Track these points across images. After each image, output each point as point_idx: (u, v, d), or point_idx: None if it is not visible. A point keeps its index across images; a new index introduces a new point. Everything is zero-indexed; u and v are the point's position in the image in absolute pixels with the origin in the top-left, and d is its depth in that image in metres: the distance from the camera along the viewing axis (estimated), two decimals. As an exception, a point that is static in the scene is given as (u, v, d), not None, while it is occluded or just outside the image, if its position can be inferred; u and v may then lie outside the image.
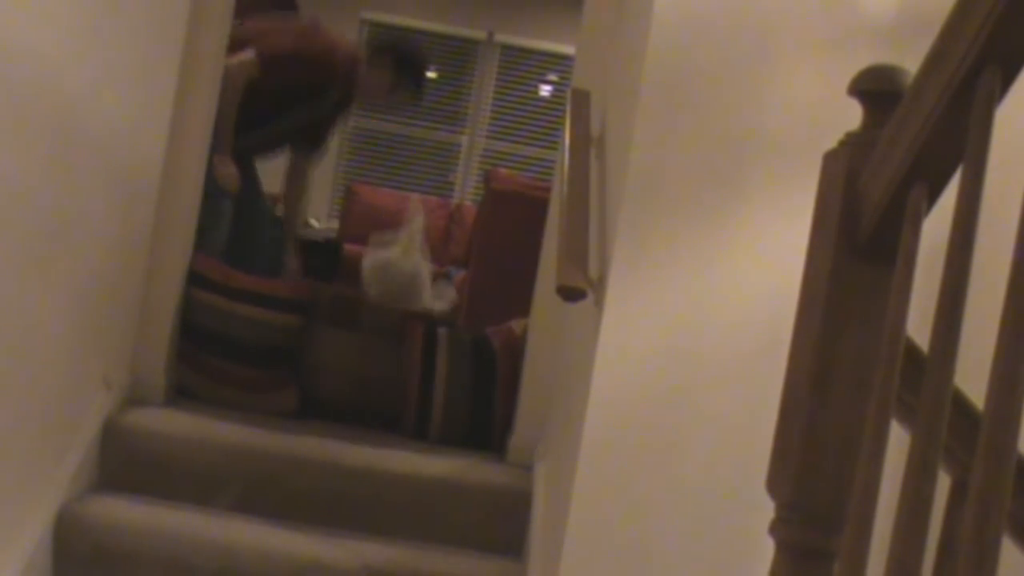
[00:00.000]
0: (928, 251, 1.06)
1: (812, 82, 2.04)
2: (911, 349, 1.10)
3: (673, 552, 2.05)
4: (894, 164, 1.05)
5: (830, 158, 1.17)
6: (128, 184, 2.76)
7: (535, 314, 3.07)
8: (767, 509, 1.16)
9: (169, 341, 3.07)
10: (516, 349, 3.22)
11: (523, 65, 8.03)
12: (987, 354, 0.88)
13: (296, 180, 4.32)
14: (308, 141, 4.13)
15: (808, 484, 1.11)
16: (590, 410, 2.03)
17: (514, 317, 3.39)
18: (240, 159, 3.63)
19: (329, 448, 2.86)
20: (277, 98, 3.77)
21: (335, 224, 7.22)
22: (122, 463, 2.77)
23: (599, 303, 2.09)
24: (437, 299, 4.36)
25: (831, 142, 1.18)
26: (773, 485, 1.16)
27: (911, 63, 1.09)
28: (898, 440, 1.03)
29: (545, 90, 8.07)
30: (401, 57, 3.91)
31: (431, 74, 8.11)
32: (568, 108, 2.65)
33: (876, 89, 1.14)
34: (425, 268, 4.26)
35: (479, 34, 8.04)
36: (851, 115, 1.19)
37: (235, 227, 3.63)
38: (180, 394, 3.17)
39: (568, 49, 7.09)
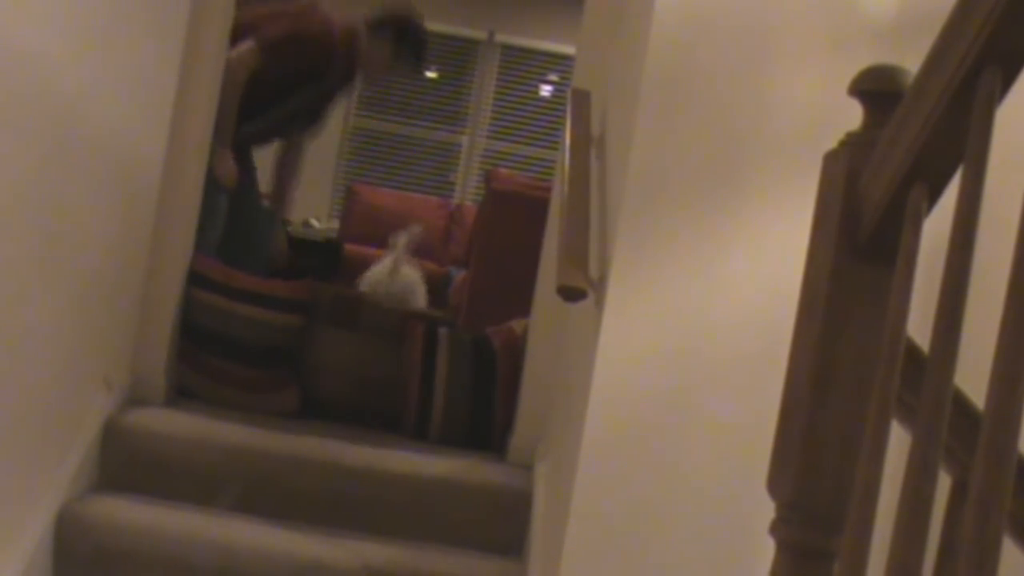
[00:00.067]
0: (928, 251, 1.06)
1: (812, 82, 2.04)
2: (911, 349, 1.10)
3: (673, 552, 2.05)
4: (894, 164, 1.05)
5: (830, 158, 1.17)
6: (128, 184, 2.76)
7: (535, 314, 3.07)
8: (767, 509, 1.15)
9: (169, 341, 3.07)
10: (516, 349, 3.22)
11: (523, 65, 8.03)
12: (987, 354, 0.88)
13: (291, 158, 4.27)
14: (308, 119, 4.11)
15: (808, 484, 1.11)
16: (590, 410, 2.03)
17: (514, 317, 3.39)
18: (238, 152, 3.62)
19: (329, 448, 2.86)
20: (278, 85, 3.76)
21: (335, 224, 7.22)
22: (123, 463, 2.77)
23: (599, 303, 2.08)
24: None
25: (831, 142, 1.18)
26: (773, 485, 1.16)
27: (911, 63, 1.09)
28: (898, 440, 1.03)
29: (545, 90, 8.07)
30: (400, 28, 3.89)
31: (431, 74, 8.12)
32: (568, 108, 2.65)
33: (876, 89, 1.14)
34: (414, 276, 4.32)
35: (480, 34, 8.04)
36: (852, 115, 1.19)
37: (230, 222, 3.62)
38: (180, 394, 3.17)
39: (569, 49, 7.09)
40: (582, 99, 2.67)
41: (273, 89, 3.73)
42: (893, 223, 1.05)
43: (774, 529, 1.13)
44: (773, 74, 2.06)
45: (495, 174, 4.32)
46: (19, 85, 2.00)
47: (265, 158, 4.18)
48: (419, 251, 6.91)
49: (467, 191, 8.00)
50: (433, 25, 7.95)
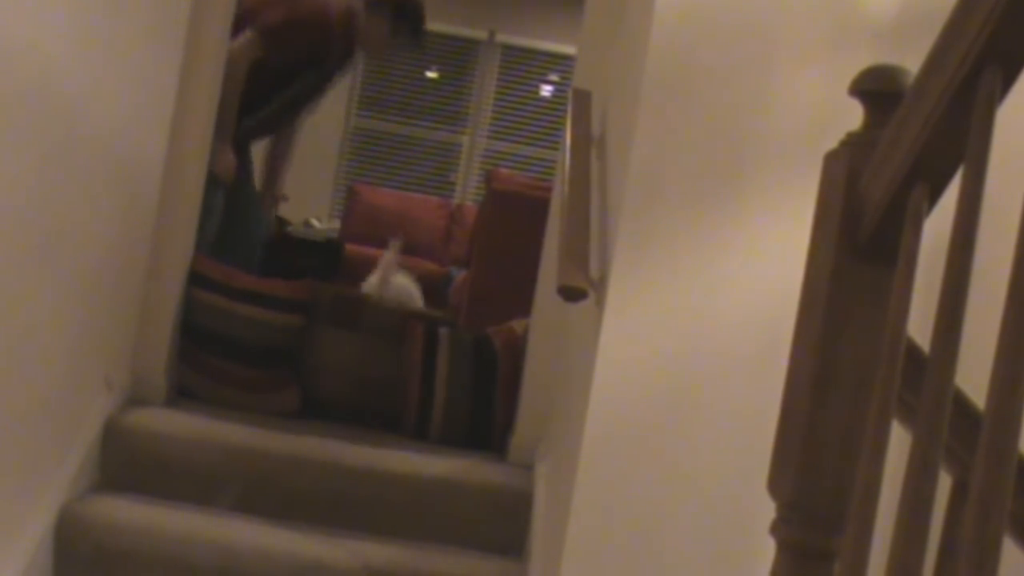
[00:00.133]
0: (929, 251, 1.06)
1: (813, 82, 2.04)
2: (912, 349, 1.10)
3: (674, 552, 2.05)
4: (895, 164, 1.05)
5: (831, 158, 1.17)
6: (129, 183, 2.76)
7: (536, 314, 3.07)
8: (768, 509, 1.15)
9: (170, 341, 3.08)
10: (517, 349, 3.22)
11: (524, 65, 8.03)
12: (988, 354, 0.88)
13: (284, 142, 4.25)
14: (308, 103, 4.09)
15: (809, 484, 1.11)
16: (591, 410, 2.03)
17: (515, 317, 3.39)
18: (237, 147, 3.62)
19: (330, 448, 2.86)
20: (279, 73, 3.75)
21: (336, 224, 7.22)
22: (123, 463, 2.77)
23: (600, 303, 2.08)
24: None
25: (832, 142, 1.18)
26: (774, 485, 1.16)
27: (912, 63, 1.09)
28: (899, 440, 1.03)
29: (546, 90, 8.07)
30: (398, 3, 3.89)
31: (432, 74, 8.12)
32: (569, 108, 2.65)
33: (877, 89, 1.14)
34: (405, 282, 4.36)
35: (480, 34, 8.04)
36: (852, 115, 1.18)
37: (227, 217, 3.61)
38: (180, 394, 3.17)
39: (569, 49, 7.09)
40: (583, 99, 2.67)
41: (274, 77, 3.73)
42: (894, 223, 1.05)
43: (774, 529, 1.13)
44: (774, 74, 2.06)
45: (495, 174, 4.32)
46: (19, 84, 2.00)
47: (257, 144, 4.17)
48: (419, 251, 6.93)
49: (467, 191, 8.00)
50: (434, 25, 7.96)
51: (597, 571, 2.03)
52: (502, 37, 8.03)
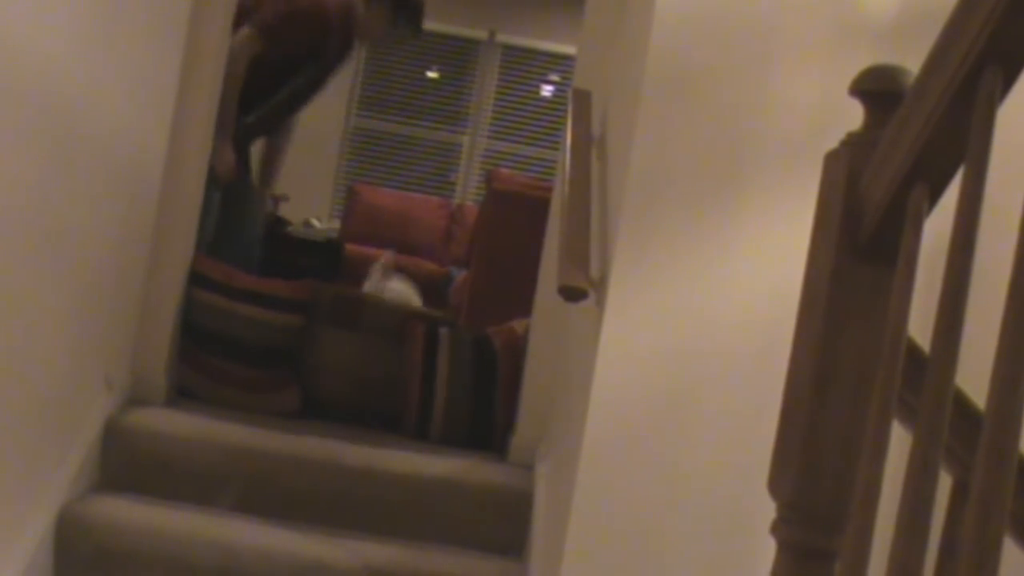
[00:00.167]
0: (929, 251, 1.06)
1: (813, 82, 2.04)
2: (912, 349, 1.10)
3: (674, 552, 2.05)
4: (895, 164, 1.05)
5: (831, 158, 1.17)
6: (130, 183, 2.76)
7: (536, 314, 3.07)
8: (768, 509, 1.15)
9: (170, 341, 3.08)
10: (517, 349, 3.22)
11: (524, 65, 8.03)
12: (988, 354, 0.88)
13: (281, 136, 4.23)
14: (307, 98, 4.08)
15: (809, 484, 1.11)
16: (591, 410, 2.03)
17: (515, 317, 3.39)
18: (237, 147, 3.61)
19: (330, 448, 2.86)
20: (279, 68, 3.75)
21: (336, 224, 7.22)
22: (123, 463, 2.77)
23: (600, 303, 2.08)
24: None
25: (832, 142, 1.18)
26: (774, 485, 1.16)
27: (913, 63, 1.09)
28: (899, 440, 1.03)
29: (546, 90, 8.07)
30: None
31: (432, 74, 8.12)
32: (569, 108, 2.65)
33: (877, 89, 1.14)
34: (401, 287, 4.38)
35: (480, 34, 8.04)
36: (853, 115, 1.18)
37: (225, 217, 3.61)
38: (180, 394, 3.17)
39: (569, 49, 7.09)
40: (583, 99, 2.67)
41: (273, 72, 3.72)
42: (894, 223, 1.05)
43: (775, 529, 1.13)
44: (774, 74, 2.06)
45: (496, 174, 4.32)
46: (20, 84, 2.00)
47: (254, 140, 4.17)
48: (419, 251, 6.93)
49: (468, 191, 8.00)
50: (434, 25, 7.99)
51: (597, 571, 2.03)
52: (502, 37, 8.03)
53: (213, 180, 3.38)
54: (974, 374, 1.09)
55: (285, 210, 6.37)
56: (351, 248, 6.36)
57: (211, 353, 3.19)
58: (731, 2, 2.06)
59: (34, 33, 2.02)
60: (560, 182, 2.73)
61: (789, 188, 2.02)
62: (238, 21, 3.37)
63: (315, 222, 6.99)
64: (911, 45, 1.48)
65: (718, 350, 2.04)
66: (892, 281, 1.03)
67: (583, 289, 2.03)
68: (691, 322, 2.04)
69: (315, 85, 3.98)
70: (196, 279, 3.18)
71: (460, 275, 5.51)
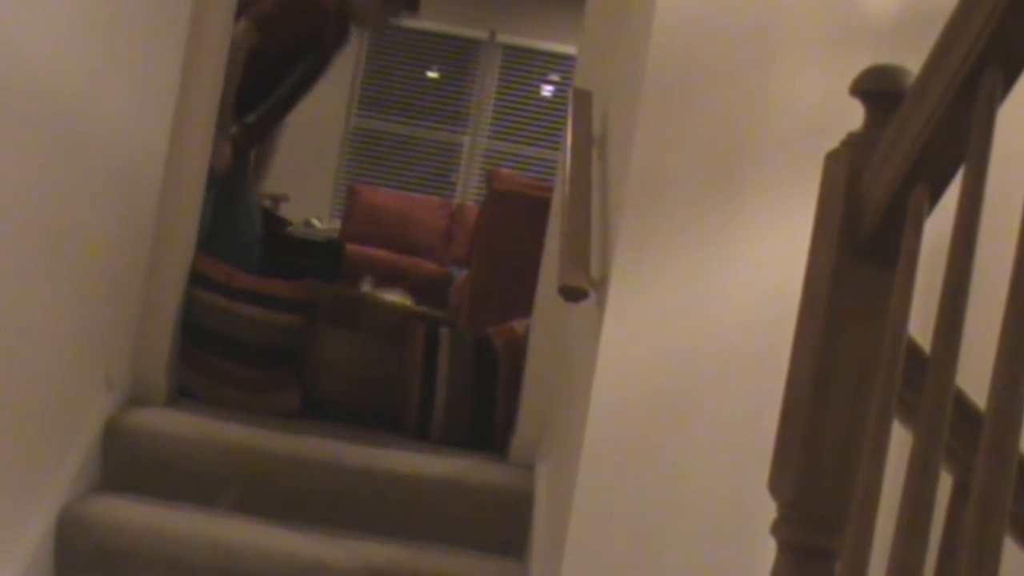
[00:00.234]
0: (930, 251, 1.06)
1: (814, 82, 2.04)
2: (913, 349, 1.10)
3: (675, 552, 2.05)
4: (896, 164, 1.05)
5: (832, 158, 1.17)
6: (130, 183, 2.76)
7: (537, 314, 3.07)
8: (769, 509, 1.15)
9: (171, 341, 3.08)
10: (518, 349, 3.22)
11: (525, 65, 8.03)
12: (989, 354, 0.88)
13: (277, 129, 4.25)
14: (306, 90, 4.07)
15: (809, 484, 1.11)
16: (592, 410, 2.03)
17: (516, 317, 3.39)
18: (237, 146, 3.61)
19: (330, 448, 2.86)
20: (276, 63, 3.74)
21: (337, 224, 7.22)
22: (124, 463, 2.77)
23: (601, 303, 2.08)
24: None
25: (833, 142, 1.18)
26: (775, 485, 1.16)
27: (913, 63, 1.09)
28: (900, 440, 1.03)
29: (547, 90, 8.07)
30: None
31: (432, 74, 8.12)
32: (570, 108, 2.65)
33: (878, 89, 1.14)
34: (395, 298, 4.43)
35: (481, 34, 8.04)
36: (853, 115, 1.18)
37: (223, 216, 3.60)
38: (181, 394, 3.17)
39: (570, 49, 7.09)
40: (583, 99, 2.67)
41: (273, 67, 3.71)
42: (894, 223, 1.05)
43: (775, 529, 1.13)
44: (774, 74, 2.06)
45: (496, 174, 4.32)
46: (20, 83, 2.00)
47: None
48: (420, 251, 6.93)
49: (468, 191, 8.01)
50: (434, 25, 8.00)
51: (598, 571, 2.03)
52: (503, 37, 8.03)
53: (212, 178, 3.37)
54: (974, 374, 1.09)
55: (285, 210, 6.37)
56: (351, 248, 6.36)
57: (211, 353, 3.19)
58: (731, 2, 2.06)
59: (34, 33, 2.02)
60: (560, 182, 2.73)
61: (789, 188, 2.02)
62: (235, 15, 3.37)
63: (315, 222, 6.99)
64: (911, 45, 1.48)
65: (718, 350, 2.04)
66: (892, 281, 1.03)
67: (583, 289, 2.03)
68: (691, 322, 2.04)
69: (314, 75, 3.97)
70: (196, 279, 3.18)
71: (460, 275, 5.51)
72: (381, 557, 2.57)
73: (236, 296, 3.20)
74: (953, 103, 0.98)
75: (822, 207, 1.17)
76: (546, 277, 3.00)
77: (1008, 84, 0.94)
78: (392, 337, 3.32)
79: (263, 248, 4.02)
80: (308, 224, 6.84)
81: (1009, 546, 0.93)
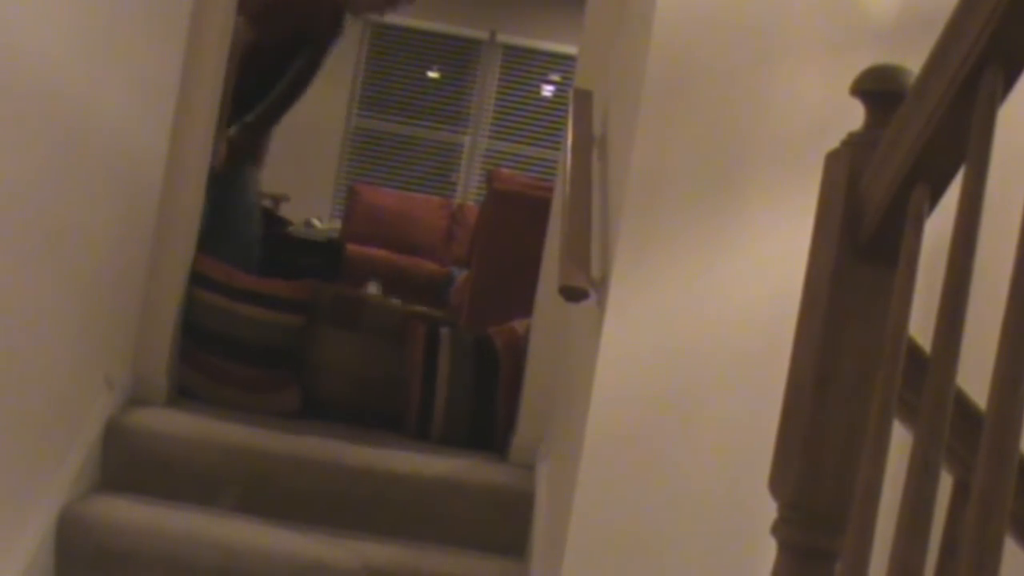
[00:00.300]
0: (930, 251, 1.06)
1: (814, 82, 2.04)
2: (913, 349, 1.10)
3: (675, 552, 2.05)
4: (896, 164, 1.05)
5: (832, 158, 1.17)
6: (130, 183, 2.76)
7: (537, 314, 3.07)
8: (769, 509, 1.15)
9: (171, 341, 3.08)
10: (518, 349, 3.22)
11: (525, 65, 8.03)
12: (989, 354, 0.88)
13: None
14: (305, 85, 4.06)
15: (810, 484, 1.11)
16: (592, 410, 2.03)
17: (516, 317, 3.39)
18: (236, 147, 3.61)
19: (330, 448, 2.86)
20: (273, 60, 3.74)
21: (337, 224, 7.22)
22: (124, 463, 2.77)
23: (601, 303, 2.08)
24: None
25: (833, 142, 1.18)
26: (775, 485, 1.16)
27: (913, 63, 1.09)
28: (900, 440, 1.03)
29: (547, 90, 8.08)
30: None
31: (433, 74, 8.12)
32: (570, 108, 2.65)
33: (878, 89, 1.14)
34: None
35: (481, 34, 8.04)
36: (853, 115, 1.18)
37: (214, 217, 3.60)
38: (181, 394, 3.17)
39: (570, 49, 7.09)
40: (584, 99, 2.67)
41: (269, 63, 3.71)
42: (895, 223, 1.05)
43: (776, 529, 1.13)
44: (775, 74, 2.06)
45: (497, 174, 4.33)
46: (20, 84, 2.00)
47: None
48: (420, 251, 6.93)
49: (469, 191, 8.01)
50: (435, 25, 8.00)
51: (598, 571, 2.03)
52: (503, 37, 8.03)
53: (211, 177, 3.37)
54: (975, 374, 1.09)
55: (285, 210, 6.38)
56: (352, 248, 6.36)
57: (212, 353, 3.19)
58: (731, 2, 2.06)
59: (34, 33, 2.03)
60: (561, 182, 2.73)
61: (790, 188, 2.02)
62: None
63: (316, 222, 6.99)
64: (912, 45, 1.48)
65: (719, 350, 2.04)
66: (893, 281, 1.03)
67: (584, 289, 2.03)
68: (692, 322, 2.04)
69: (311, 71, 3.96)
70: (197, 279, 3.18)
71: (461, 275, 5.51)
72: (381, 557, 2.57)
73: (236, 296, 3.20)
74: (953, 103, 0.98)
75: (822, 207, 1.17)
76: (546, 277, 3.00)
77: (1008, 84, 0.94)
78: (392, 337, 3.33)
79: (263, 248, 4.02)
80: (308, 224, 6.84)
81: (1009, 546, 0.93)
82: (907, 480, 0.94)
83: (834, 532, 1.09)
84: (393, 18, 7.86)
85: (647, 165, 2.04)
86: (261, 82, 3.72)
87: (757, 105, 2.05)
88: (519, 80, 8.03)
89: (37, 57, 2.05)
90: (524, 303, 3.19)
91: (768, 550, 1.15)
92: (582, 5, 3.06)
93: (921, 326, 1.05)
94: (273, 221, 5.10)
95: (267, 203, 5.94)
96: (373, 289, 4.74)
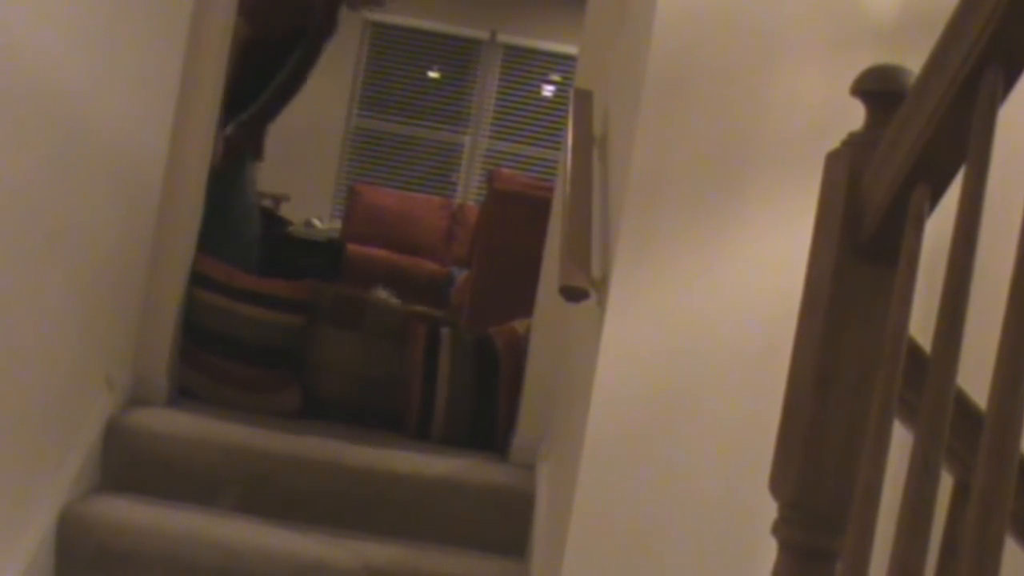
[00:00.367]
0: (931, 251, 1.06)
1: (815, 82, 2.04)
2: (914, 349, 1.10)
3: (676, 552, 2.05)
4: (896, 164, 1.05)
5: (832, 158, 1.17)
6: (131, 183, 2.76)
7: (538, 314, 3.07)
8: (770, 509, 1.15)
9: (171, 341, 3.08)
10: (519, 349, 3.22)
11: (526, 65, 8.03)
12: (990, 354, 0.88)
13: None
14: (300, 81, 4.06)
15: (810, 484, 1.11)
16: (593, 410, 2.03)
17: (517, 317, 3.39)
18: (234, 146, 3.60)
19: (331, 448, 2.86)
20: (268, 57, 3.74)
21: (337, 224, 7.22)
22: (124, 463, 2.77)
23: (602, 303, 2.08)
24: None
25: (833, 142, 1.18)
26: (775, 485, 1.16)
27: (914, 63, 1.09)
28: (900, 440, 1.03)
29: (548, 90, 8.08)
30: None
31: (433, 74, 8.12)
32: (571, 108, 2.65)
33: (879, 89, 1.14)
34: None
35: (482, 34, 8.04)
36: (854, 115, 1.18)
37: (213, 217, 3.60)
38: (181, 394, 3.17)
39: (571, 49, 7.09)
40: (584, 99, 2.67)
41: (265, 61, 3.71)
42: (895, 223, 1.05)
43: (776, 529, 1.13)
44: (775, 74, 2.06)
45: (497, 174, 4.33)
46: (21, 84, 2.00)
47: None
48: (421, 251, 6.93)
49: (469, 191, 8.01)
50: (435, 25, 8.00)
51: (598, 571, 2.03)
52: (504, 37, 8.03)
53: (209, 177, 3.37)
54: (975, 374, 1.09)
55: (286, 210, 6.38)
56: (352, 248, 6.36)
57: (212, 353, 3.19)
58: (732, 2, 2.06)
59: (35, 33, 2.03)
60: (561, 182, 2.73)
61: (790, 188, 2.02)
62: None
63: (316, 222, 7.00)
64: (912, 45, 1.48)
65: (719, 350, 2.04)
66: (893, 281, 1.03)
67: (584, 289, 2.03)
68: (692, 322, 2.04)
69: (305, 67, 3.96)
70: (197, 279, 3.18)
71: (461, 275, 5.51)
72: (381, 557, 2.57)
73: (237, 296, 3.20)
74: (954, 103, 0.98)
75: (823, 207, 1.17)
76: (547, 277, 3.00)
77: (1009, 84, 0.94)
78: (393, 337, 3.33)
79: (263, 248, 4.02)
80: (309, 224, 6.84)
81: (1010, 546, 0.93)
82: (907, 480, 0.94)
83: (834, 532, 1.09)
84: (393, 18, 7.87)
85: (647, 165, 2.04)
86: (257, 79, 3.72)
87: (757, 105, 2.05)
88: (519, 80, 8.03)
89: (37, 57, 2.05)
90: (524, 303, 3.19)
91: (768, 550, 1.15)
92: (582, 5, 3.06)
93: (921, 326, 1.05)
94: (273, 221, 5.10)
95: (267, 203, 5.95)
96: (383, 295, 4.74)
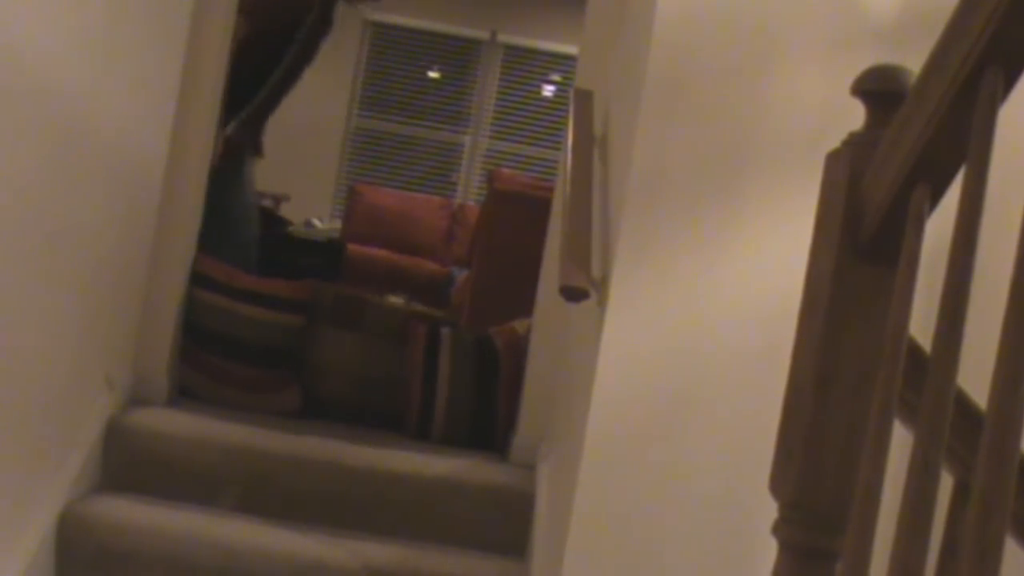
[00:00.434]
0: (931, 251, 1.06)
1: (815, 82, 2.04)
2: (914, 349, 1.10)
3: (676, 552, 2.05)
4: (897, 164, 1.05)
5: (833, 158, 1.17)
6: (131, 184, 2.76)
7: (538, 314, 3.07)
8: (770, 509, 1.15)
9: (172, 341, 3.08)
10: (519, 349, 3.22)
11: (526, 65, 8.03)
12: (990, 354, 0.88)
13: None
14: (296, 78, 4.06)
15: (811, 484, 1.11)
16: (593, 410, 2.03)
17: (517, 317, 3.39)
18: (232, 145, 3.60)
19: (331, 448, 2.86)
20: (265, 55, 3.74)
21: (338, 224, 7.22)
22: (125, 463, 2.77)
23: (602, 303, 2.08)
24: None
25: (834, 142, 1.18)
26: (776, 485, 1.16)
27: (914, 63, 1.09)
28: (900, 440, 1.03)
29: (548, 90, 8.07)
30: None
31: (433, 74, 8.12)
32: (571, 108, 2.65)
33: (879, 89, 1.14)
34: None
35: (482, 34, 8.04)
36: (854, 115, 1.18)
37: (211, 217, 3.59)
38: (181, 394, 3.17)
39: (571, 49, 7.09)
40: (585, 99, 2.67)
41: (261, 59, 3.71)
42: (895, 223, 1.05)
43: (776, 529, 1.13)
44: (776, 74, 2.06)
45: (497, 174, 4.33)
46: (21, 84, 2.00)
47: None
48: (421, 251, 6.93)
49: (469, 191, 8.01)
50: (435, 25, 8.00)
51: (598, 571, 2.03)
52: (504, 37, 8.03)
53: (209, 177, 3.37)
54: (975, 374, 1.09)
55: (286, 210, 6.38)
56: (352, 248, 6.36)
57: (212, 353, 3.19)
58: (733, 2, 2.05)
59: (36, 33, 2.03)
60: (561, 182, 2.73)
61: (790, 188, 2.02)
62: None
63: (316, 222, 7.00)
64: (912, 45, 1.48)
65: (719, 350, 2.03)
66: (893, 281, 1.03)
67: (584, 289, 2.03)
68: (693, 322, 2.04)
69: (300, 65, 3.96)
70: (197, 279, 3.18)
71: (462, 275, 5.51)
72: (381, 557, 2.57)
73: (237, 296, 3.20)
74: (954, 103, 0.98)
75: (823, 207, 1.17)
76: (547, 277, 3.00)
77: (1009, 84, 0.94)
78: (393, 337, 3.33)
79: (263, 248, 4.02)
80: (309, 224, 6.84)
81: (1010, 546, 0.93)
82: (907, 480, 0.94)
83: (834, 532, 1.09)
84: (393, 18, 7.87)
85: (648, 165, 2.04)
86: (254, 76, 3.72)
87: (758, 105, 2.05)
88: (520, 80, 8.03)
89: (37, 57, 2.05)
90: (525, 303, 3.19)
91: (768, 550, 1.15)
92: (582, 5, 3.06)
93: (921, 326, 1.06)
94: (273, 221, 5.10)
95: (267, 203, 5.95)
96: (395, 301, 4.74)
